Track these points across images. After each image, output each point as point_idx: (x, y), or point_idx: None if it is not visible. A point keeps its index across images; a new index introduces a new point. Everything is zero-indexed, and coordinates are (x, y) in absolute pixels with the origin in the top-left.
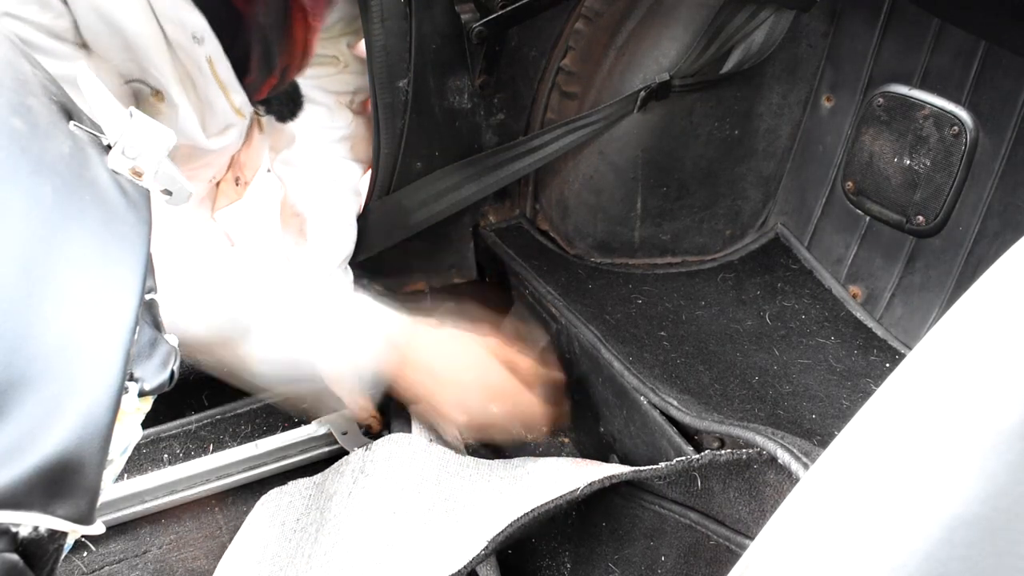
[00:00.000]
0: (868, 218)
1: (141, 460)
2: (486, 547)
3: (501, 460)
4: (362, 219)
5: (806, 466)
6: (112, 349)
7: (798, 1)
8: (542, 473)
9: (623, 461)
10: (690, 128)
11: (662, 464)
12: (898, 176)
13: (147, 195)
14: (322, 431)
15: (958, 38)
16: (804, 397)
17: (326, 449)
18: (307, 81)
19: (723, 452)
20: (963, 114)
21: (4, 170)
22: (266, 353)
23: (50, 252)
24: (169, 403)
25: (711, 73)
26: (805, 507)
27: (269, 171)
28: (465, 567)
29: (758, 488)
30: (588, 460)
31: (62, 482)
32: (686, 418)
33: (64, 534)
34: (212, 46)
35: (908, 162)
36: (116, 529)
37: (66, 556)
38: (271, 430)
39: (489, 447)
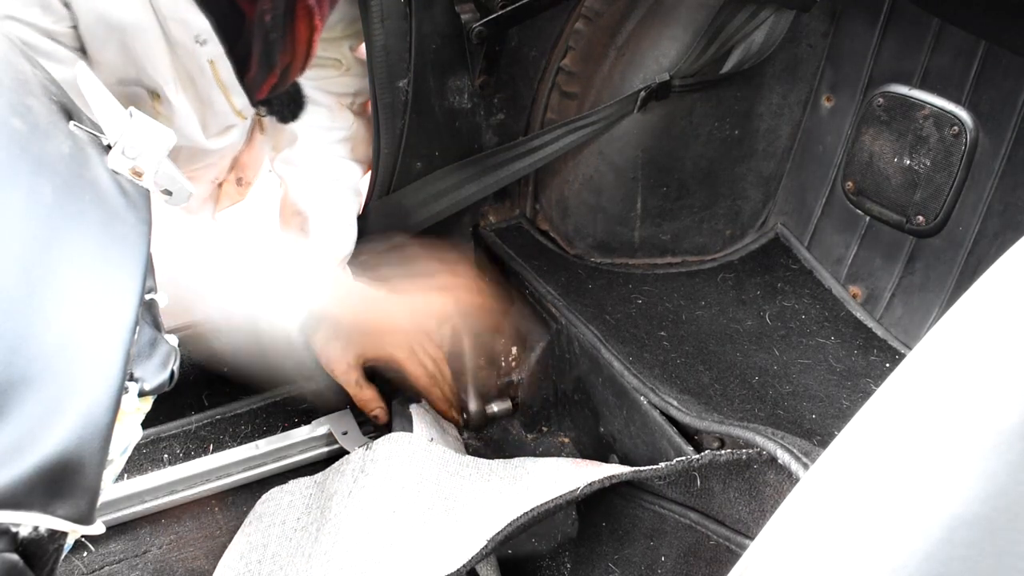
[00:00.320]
0: (868, 218)
1: (141, 460)
2: (486, 546)
3: (501, 460)
4: (362, 219)
5: (806, 466)
6: (112, 349)
7: (798, 1)
8: (542, 473)
9: (623, 461)
10: (690, 128)
11: (662, 464)
12: (898, 176)
13: (147, 195)
14: (322, 431)
15: (958, 38)
16: (804, 397)
17: (326, 449)
18: (309, 82)
19: (723, 452)
20: (963, 114)
21: (4, 170)
22: (230, 309)
23: (50, 252)
24: (169, 403)
25: (711, 73)
26: (805, 507)
27: (270, 171)
28: (465, 566)
29: (758, 488)
30: (588, 460)
31: (62, 482)
32: (686, 418)
33: (64, 534)
34: (215, 48)
35: (908, 162)
36: (116, 529)
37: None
38: (271, 430)
39: (489, 447)
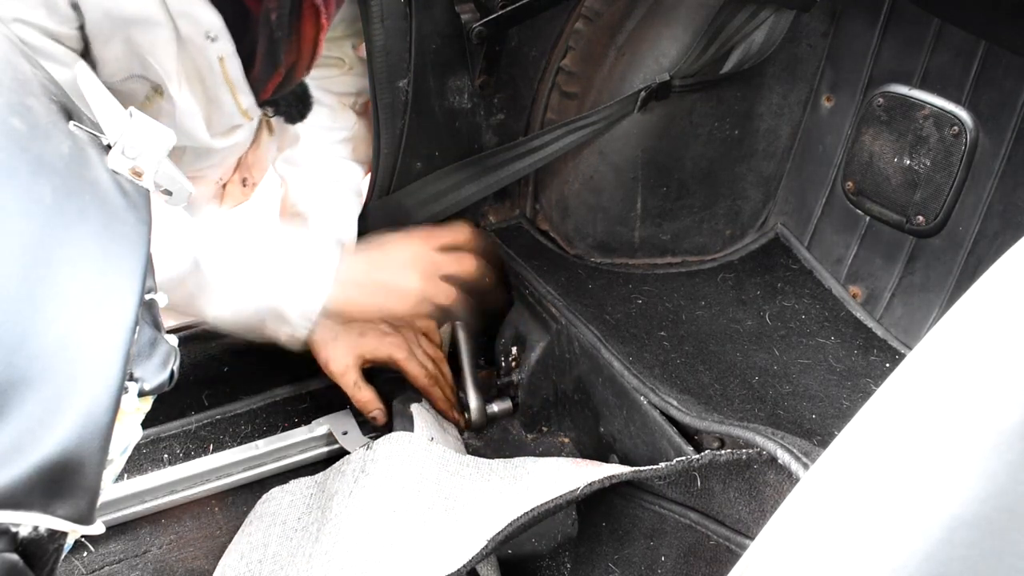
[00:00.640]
0: (868, 218)
1: (141, 460)
2: (486, 546)
3: (501, 460)
4: (362, 219)
5: (806, 466)
6: (112, 349)
7: (798, 1)
8: (542, 473)
9: (623, 461)
10: (690, 128)
11: (662, 464)
12: (898, 176)
13: (147, 195)
14: (322, 431)
15: (958, 38)
16: (804, 397)
17: (326, 449)
18: (311, 82)
19: (723, 452)
20: (963, 114)
21: (4, 170)
22: (220, 292)
23: (50, 252)
24: (169, 403)
25: (711, 73)
26: (805, 507)
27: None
28: (465, 566)
29: (758, 488)
30: (588, 460)
31: (62, 482)
32: (686, 418)
33: (64, 534)
34: (226, 45)
35: (908, 162)
36: (116, 529)
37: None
38: (271, 430)
39: (489, 447)
